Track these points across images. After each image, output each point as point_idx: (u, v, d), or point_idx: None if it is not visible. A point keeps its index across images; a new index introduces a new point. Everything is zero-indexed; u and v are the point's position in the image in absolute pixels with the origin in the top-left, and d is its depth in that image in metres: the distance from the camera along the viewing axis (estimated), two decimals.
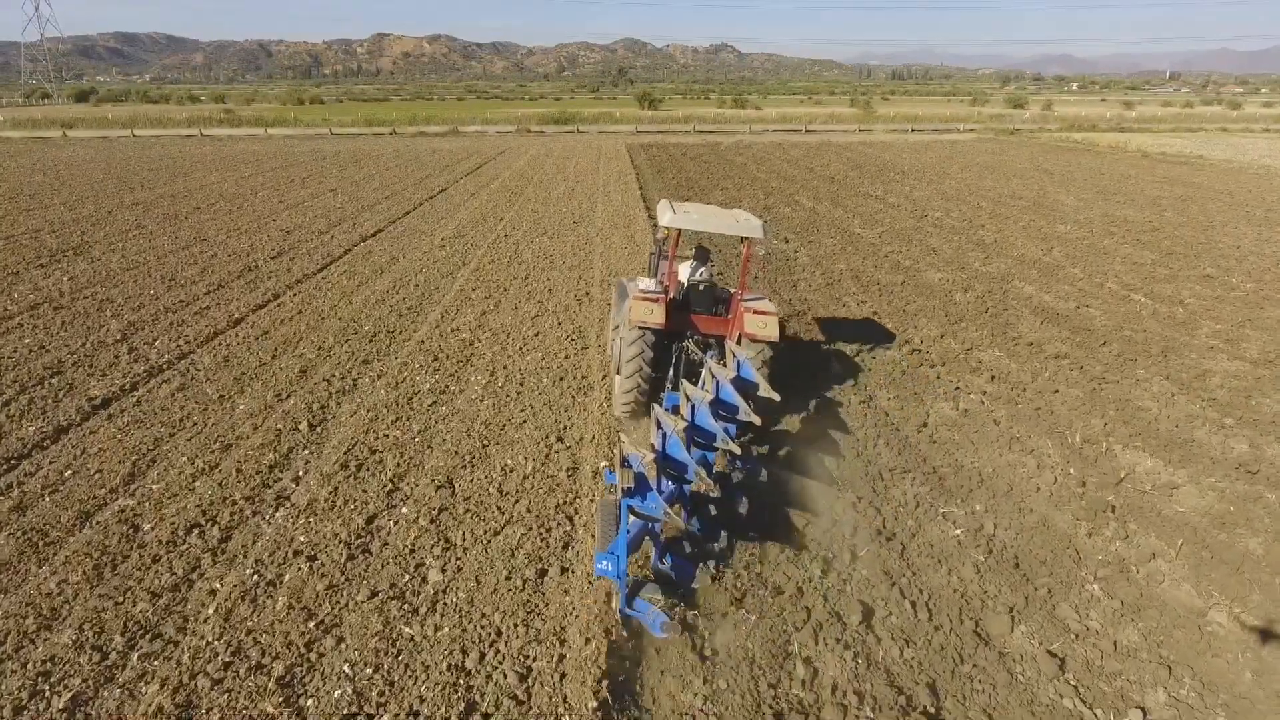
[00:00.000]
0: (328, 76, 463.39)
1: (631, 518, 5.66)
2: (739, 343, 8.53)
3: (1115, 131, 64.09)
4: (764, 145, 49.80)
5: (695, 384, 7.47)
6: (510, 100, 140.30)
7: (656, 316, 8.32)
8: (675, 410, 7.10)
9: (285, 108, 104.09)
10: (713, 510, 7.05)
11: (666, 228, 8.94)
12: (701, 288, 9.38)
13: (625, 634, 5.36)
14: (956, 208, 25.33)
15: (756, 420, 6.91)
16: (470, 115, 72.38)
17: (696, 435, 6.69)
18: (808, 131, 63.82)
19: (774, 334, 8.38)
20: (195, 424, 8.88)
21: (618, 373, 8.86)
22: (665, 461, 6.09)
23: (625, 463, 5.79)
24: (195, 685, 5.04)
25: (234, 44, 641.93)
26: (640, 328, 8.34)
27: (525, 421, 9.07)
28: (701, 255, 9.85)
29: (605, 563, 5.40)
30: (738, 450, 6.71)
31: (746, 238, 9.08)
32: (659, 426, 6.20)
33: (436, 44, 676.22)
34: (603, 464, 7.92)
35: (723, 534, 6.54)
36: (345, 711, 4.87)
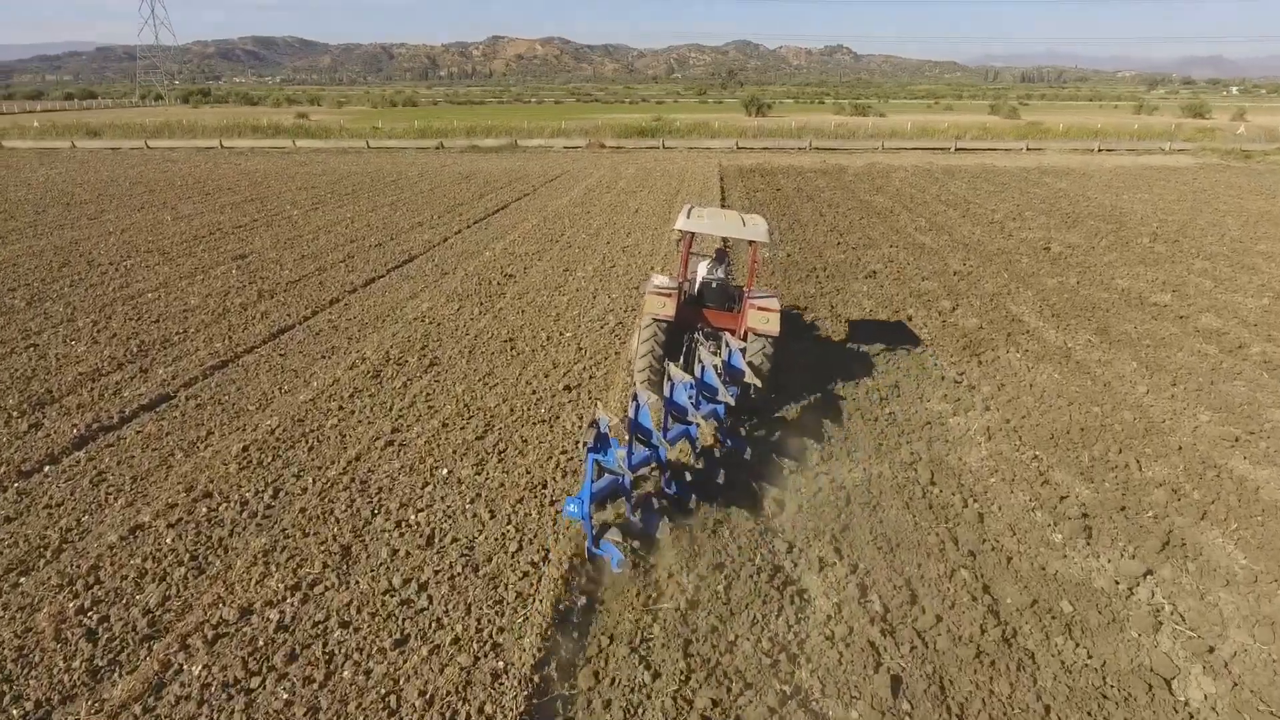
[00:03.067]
0: (443, 78, 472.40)
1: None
2: (744, 337, 9.34)
3: None
4: (906, 171, 36.82)
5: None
6: (609, 104, 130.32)
7: (667, 310, 9.25)
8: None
9: (373, 110, 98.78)
10: (688, 477, 7.74)
11: (680, 230, 9.72)
12: (714, 285, 10.20)
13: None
14: None
15: (730, 400, 7.88)
16: (539, 124, 62.49)
17: (672, 410, 7.75)
18: (958, 150, 50.02)
19: (774, 329, 9.09)
20: None
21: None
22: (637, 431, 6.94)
23: (594, 424, 6.46)
24: None
25: (359, 47, 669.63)
26: (652, 319, 9.27)
27: None
28: (720, 256, 10.58)
29: (573, 506, 6.44)
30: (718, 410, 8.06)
31: (754, 241, 9.61)
32: (634, 400, 6.98)
33: (549, 46, 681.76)
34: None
35: (693, 497, 7.25)
36: None
